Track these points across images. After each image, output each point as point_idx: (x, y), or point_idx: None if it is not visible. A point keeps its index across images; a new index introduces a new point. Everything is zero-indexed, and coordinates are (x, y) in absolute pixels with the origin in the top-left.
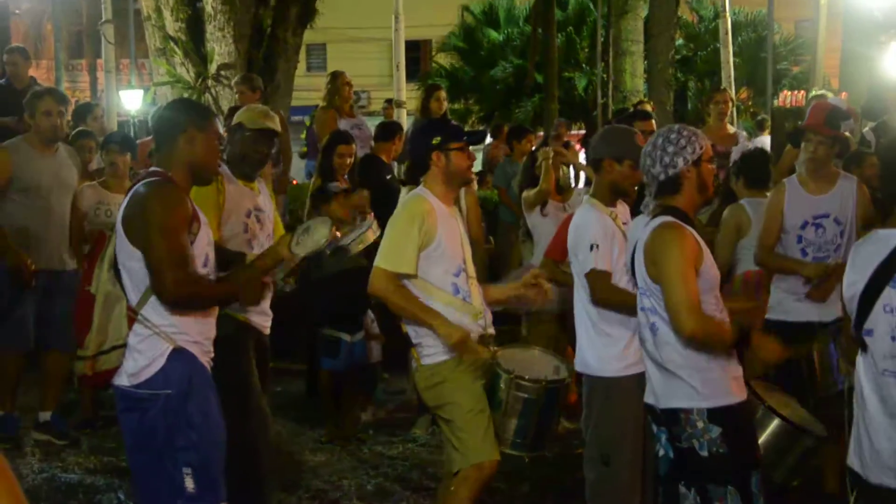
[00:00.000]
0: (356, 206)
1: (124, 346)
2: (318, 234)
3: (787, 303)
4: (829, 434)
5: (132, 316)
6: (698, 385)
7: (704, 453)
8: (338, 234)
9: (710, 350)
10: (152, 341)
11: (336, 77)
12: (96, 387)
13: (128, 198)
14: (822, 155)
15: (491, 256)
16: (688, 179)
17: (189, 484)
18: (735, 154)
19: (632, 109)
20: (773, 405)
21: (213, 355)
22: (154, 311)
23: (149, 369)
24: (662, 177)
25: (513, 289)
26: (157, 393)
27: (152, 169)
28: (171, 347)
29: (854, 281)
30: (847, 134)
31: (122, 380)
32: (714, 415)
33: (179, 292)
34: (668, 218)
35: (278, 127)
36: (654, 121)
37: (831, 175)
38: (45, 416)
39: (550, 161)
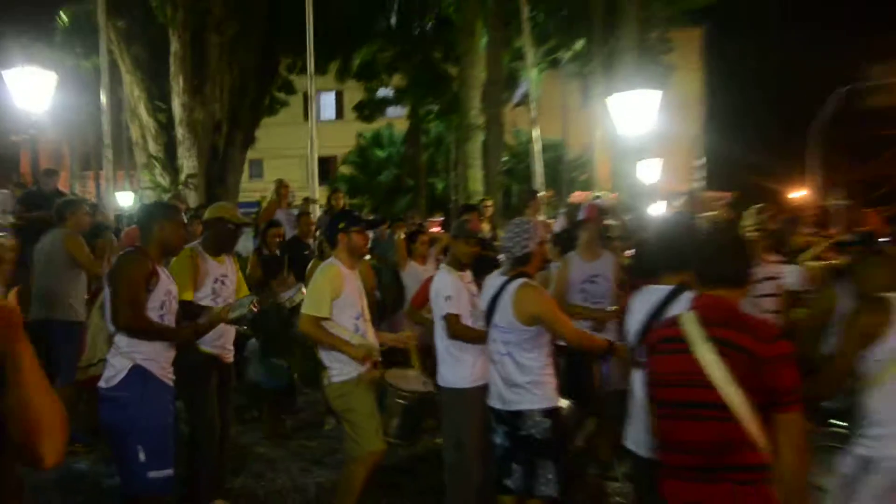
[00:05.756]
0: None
1: (104, 360)
2: (243, 307)
3: None
4: (603, 422)
5: (111, 341)
6: (539, 393)
7: (539, 437)
8: (254, 308)
9: (588, 350)
10: (120, 359)
11: (280, 184)
12: (89, 389)
13: (113, 262)
14: (597, 237)
15: (378, 304)
16: (535, 255)
17: (142, 456)
18: (557, 226)
19: (477, 204)
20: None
21: (171, 371)
22: (123, 338)
23: (115, 378)
24: (519, 253)
25: (392, 339)
26: (121, 395)
27: (131, 245)
28: (131, 364)
29: (635, 320)
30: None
31: (102, 383)
32: (546, 412)
33: (128, 325)
34: (528, 280)
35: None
36: (489, 210)
37: (598, 250)
38: None
39: (402, 240)
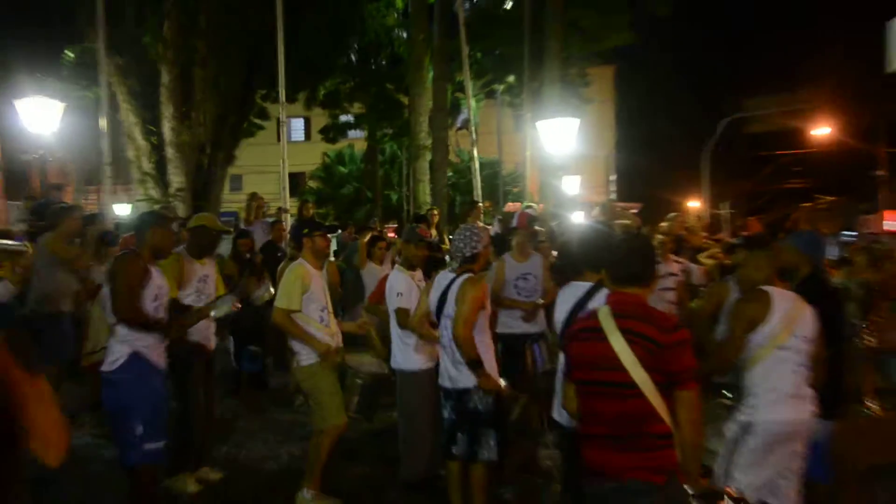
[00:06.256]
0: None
1: (105, 347)
2: (226, 306)
3: (511, 321)
4: (535, 398)
5: (111, 331)
6: None
7: (482, 409)
8: (237, 306)
9: (473, 350)
10: (120, 346)
11: (251, 197)
12: (92, 373)
13: (111, 263)
14: (527, 241)
15: (341, 298)
16: (481, 255)
17: (139, 430)
18: (493, 231)
19: (426, 213)
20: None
21: (164, 357)
22: (122, 328)
23: (116, 362)
24: (469, 254)
25: (350, 327)
26: (121, 377)
27: (127, 248)
28: (130, 350)
29: (561, 312)
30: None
31: (103, 367)
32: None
33: (126, 317)
34: (472, 275)
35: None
36: (436, 218)
37: (529, 252)
38: None
39: (364, 243)
